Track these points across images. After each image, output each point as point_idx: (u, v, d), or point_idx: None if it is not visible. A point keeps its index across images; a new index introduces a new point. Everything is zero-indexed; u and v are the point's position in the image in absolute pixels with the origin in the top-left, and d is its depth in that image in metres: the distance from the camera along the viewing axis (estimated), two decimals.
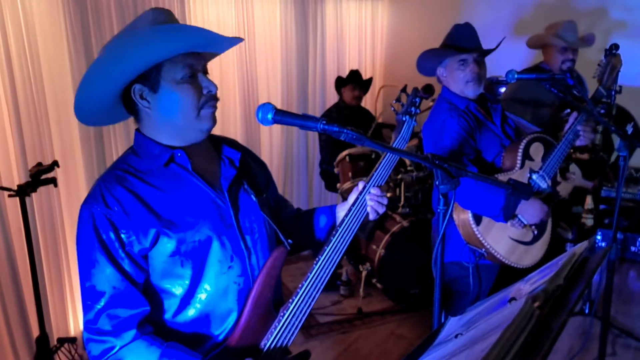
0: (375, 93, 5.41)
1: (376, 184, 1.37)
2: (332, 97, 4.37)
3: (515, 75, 2.02)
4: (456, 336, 0.97)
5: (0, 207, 2.45)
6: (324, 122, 1.07)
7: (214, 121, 1.22)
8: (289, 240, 1.29)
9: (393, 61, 5.45)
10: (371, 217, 1.35)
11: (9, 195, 2.24)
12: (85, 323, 1.13)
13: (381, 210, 1.35)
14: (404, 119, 1.45)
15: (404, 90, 1.48)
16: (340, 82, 4.08)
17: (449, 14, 4.67)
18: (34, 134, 2.57)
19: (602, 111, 2.19)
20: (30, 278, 2.34)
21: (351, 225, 1.30)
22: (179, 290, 1.18)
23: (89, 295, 1.12)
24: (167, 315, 1.20)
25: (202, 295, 1.19)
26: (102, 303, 1.11)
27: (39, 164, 2.37)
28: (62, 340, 2.62)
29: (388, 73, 5.49)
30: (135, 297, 1.13)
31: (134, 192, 1.15)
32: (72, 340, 2.69)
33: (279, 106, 1.15)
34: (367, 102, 5.05)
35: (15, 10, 2.45)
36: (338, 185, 3.61)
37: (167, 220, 1.15)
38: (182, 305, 1.19)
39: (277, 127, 4.17)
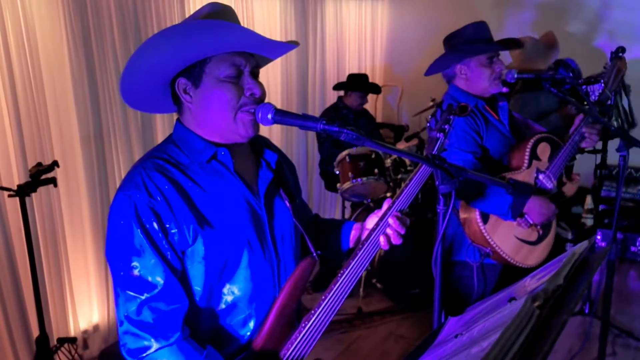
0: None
1: (399, 208, 1.28)
2: (332, 97, 4.37)
3: (515, 75, 2.03)
4: (456, 336, 0.97)
5: (0, 207, 2.45)
6: (324, 122, 1.06)
7: (254, 129, 1.16)
8: (318, 252, 1.26)
9: (393, 61, 5.46)
10: (383, 246, 1.25)
11: (9, 195, 2.24)
12: (125, 315, 1.08)
13: (397, 241, 1.25)
14: (438, 135, 1.43)
15: (439, 106, 1.47)
16: (348, 87, 4.05)
17: (448, 14, 4.68)
18: (34, 134, 2.56)
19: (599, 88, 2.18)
20: (30, 278, 2.34)
21: (376, 240, 1.25)
22: (206, 291, 1.16)
23: (131, 286, 1.08)
24: (191, 314, 1.17)
25: (228, 298, 1.17)
26: (145, 295, 1.07)
27: (39, 164, 2.37)
28: (62, 340, 2.61)
29: (388, 73, 5.50)
30: (176, 291, 1.10)
31: (177, 185, 1.11)
32: (72, 340, 2.69)
33: (278, 106, 1.14)
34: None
35: (15, 11, 2.44)
36: (338, 185, 3.61)
37: (207, 220, 1.12)
38: (209, 306, 1.17)
39: (277, 127, 4.17)
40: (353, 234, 1.41)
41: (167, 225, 1.09)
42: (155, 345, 1.07)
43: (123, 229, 1.08)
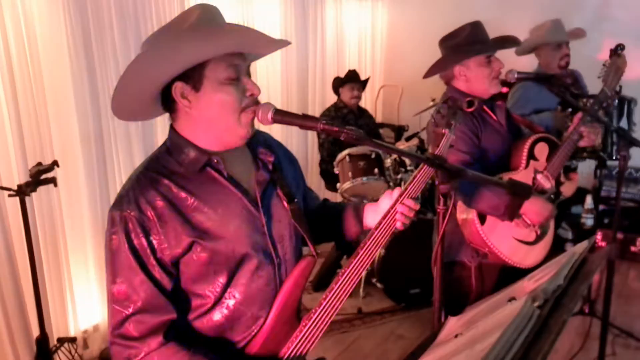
0: (375, 93, 5.41)
1: (411, 196, 1.30)
2: (332, 97, 4.37)
3: (515, 75, 2.02)
4: (456, 336, 0.97)
5: (0, 207, 2.44)
6: (324, 122, 1.07)
7: (252, 128, 1.17)
8: (318, 252, 1.27)
9: (393, 61, 5.45)
10: (399, 227, 1.29)
11: (9, 195, 2.23)
12: (111, 327, 1.11)
13: (407, 222, 1.29)
14: (443, 131, 1.42)
15: (445, 102, 1.46)
16: (338, 82, 4.09)
17: (448, 14, 4.67)
18: (34, 134, 2.56)
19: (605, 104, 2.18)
20: (30, 278, 2.34)
21: (380, 238, 1.26)
22: (207, 296, 1.16)
23: (117, 300, 1.10)
24: (193, 319, 1.18)
25: (229, 302, 1.17)
26: (130, 309, 1.09)
27: (39, 164, 2.37)
28: (62, 340, 2.62)
29: (388, 73, 5.50)
30: (163, 305, 1.11)
31: (169, 198, 1.12)
32: (72, 340, 2.69)
33: (278, 106, 1.14)
34: (367, 102, 5.05)
35: (15, 11, 2.44)
36: (338, 185, 3.61)
37: (202, 229, 1.12)
38: (209, 310, 1.17)
39: (276, 127, 4.17)
40: (368, 213, 1.40)
41: (156, 242, 1.10)
42: (142, 352, 1.09)
43: (114, 244, 1.10)
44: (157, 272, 1.11)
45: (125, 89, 1.12)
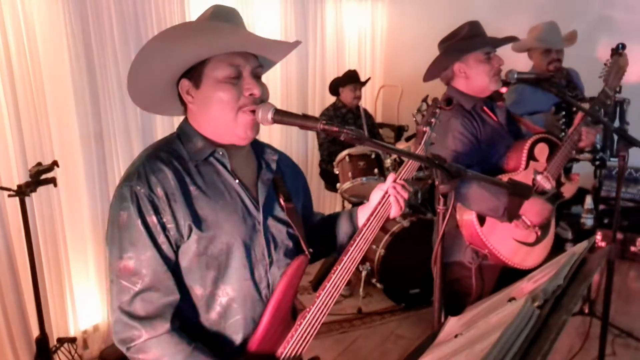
0: (375, 93, 5.41)
1: (402, 178, 1.34)
2: (332, 97, 4.38)
3: (515, 75, 2.02)
4: (456, 336, 0.97)
5: (0, 207, 2.44)
6: (324, 121, 1.07)
7: (253, 131, 1.17)
8: (310, 250, 1.28)
9: (393, 61, 5.45)
10: (393, 211, 1.30)
11: (9, 195, 2.23)
12: (118, 304, 1.10)
13: (400, 204, 1.30)
14: (424, 129, 1.46)
15: (424, 100, 1.49)
16: (339, 83, 4.08)
17: (448, 14, 4.67)
18: (34, 134, 2.56)
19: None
20: (30, 278, 2.34)
21: (369, 233, 1.27)
22: (200, 291, 1.16)
23: (124, 276, 1.09)
24: (188, 315, 1.18)
25: (223, 299, 1.18)
26: (138, 285, 1.09)
27: (39, 164, 2.37)
28: (61, 341, 2.61)
29: (388, 73, 5.49)
30: (169, 284, 1.12)
31: (177, 180, 1.13)
32: (72, 340, 2.69)
33: (278, 106, 1.14)
34: (367, 101, 5.05)
35: (15, 11, 2.44)
36: (338, 185, 3.61)
37: (201, 217, 1.14)
38: (203, 307, 1.18)
39: (277, 127, 4.16)
40: (360, 213, 1.42)
41: (165, 220, 1.11)
42: (144, 336, 1.09)
43: (123, 219, 1.10)
44: (166, 249, 1.12)
45: (136, 77, 1.14)
